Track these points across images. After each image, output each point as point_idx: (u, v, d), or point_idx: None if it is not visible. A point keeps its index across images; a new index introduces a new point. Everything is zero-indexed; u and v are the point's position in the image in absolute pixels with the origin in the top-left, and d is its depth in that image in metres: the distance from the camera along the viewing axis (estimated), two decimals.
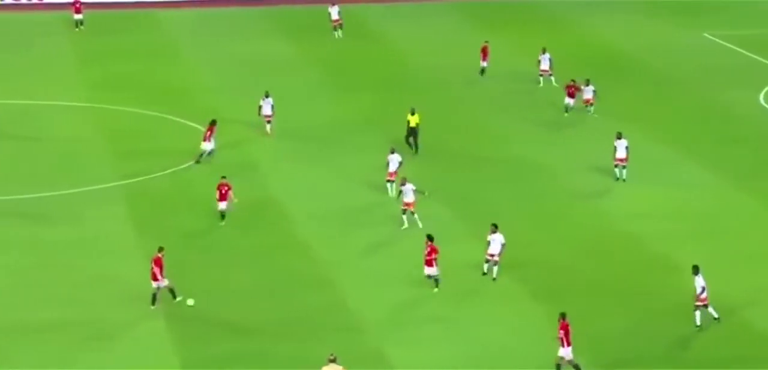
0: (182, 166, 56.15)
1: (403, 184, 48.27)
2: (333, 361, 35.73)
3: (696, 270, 40.05)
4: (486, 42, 70.42)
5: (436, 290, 42.63)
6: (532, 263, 45.42)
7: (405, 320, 41.27)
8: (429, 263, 42.74)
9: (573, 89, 61.47)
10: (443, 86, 69.17)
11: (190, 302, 41.11)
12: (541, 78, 67.14)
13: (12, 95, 67.41)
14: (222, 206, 48.59)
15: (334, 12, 79.79)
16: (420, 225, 47.19)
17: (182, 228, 49.10)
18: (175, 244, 47.30)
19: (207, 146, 55.76)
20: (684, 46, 77.85)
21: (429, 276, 42.87)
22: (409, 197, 48.00)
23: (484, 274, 43.72)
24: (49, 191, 53.03)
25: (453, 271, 44.14)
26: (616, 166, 53.32)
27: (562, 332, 36.96)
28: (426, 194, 48.49)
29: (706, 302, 39.86)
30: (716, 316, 40.09)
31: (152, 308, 41.28)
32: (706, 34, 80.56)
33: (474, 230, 48.18)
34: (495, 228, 43.91)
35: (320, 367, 35.75)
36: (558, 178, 54.34)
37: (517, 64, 71.56)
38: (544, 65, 67.14)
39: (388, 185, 51.65)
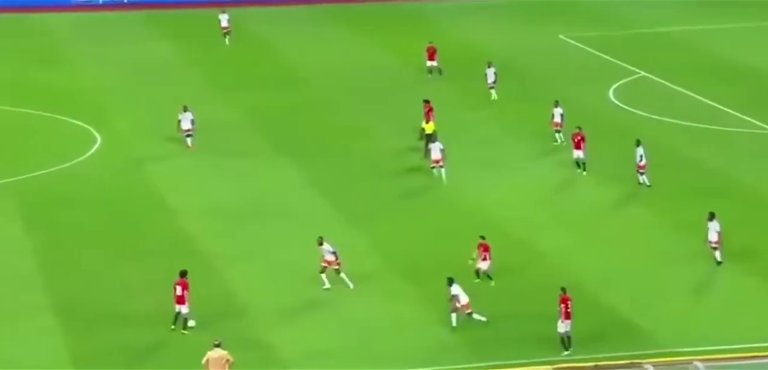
0: (72, 163, 54.87)
1: (320, 243, 42.06)
2: (218, 346, 35.02)
3: (450, 281, 39.21)
4: (431, 43, 69.37)
5: (185, 332, 38.26)
6: (405, 252, 45.14)
7: (291, 309, 40.46)
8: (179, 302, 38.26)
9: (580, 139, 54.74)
10: (319, 86, 68.80)
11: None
12: (492, 91, 64.56)
13: None
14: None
15: (223, 19, 77.86)
16: (326, 285, 41.61)
17: (71, 223, 47.85)
18: (64, 238, 46.24)
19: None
20: (542, 46, 78.65)
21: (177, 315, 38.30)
22: (329, 257, 41.80)
23: (719, 263, 43.03)
24: None
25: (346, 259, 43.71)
26: (638, 172, 51.77)
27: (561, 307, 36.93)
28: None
29: (465, 308, 39.13)
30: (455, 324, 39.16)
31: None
32: (561, 36, 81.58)
33: (352, 220, 48.01)
34: (712, 216, 43.35)
35: (205, 352, 34.92)
36: (422, 170, 53.98)
37: (383, 61, 71.21)
38: (491, 79, 64.74)
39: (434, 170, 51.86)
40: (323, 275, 41.67)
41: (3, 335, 38.45)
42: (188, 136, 56.07)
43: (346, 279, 41.71)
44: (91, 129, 59.63)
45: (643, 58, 74.81)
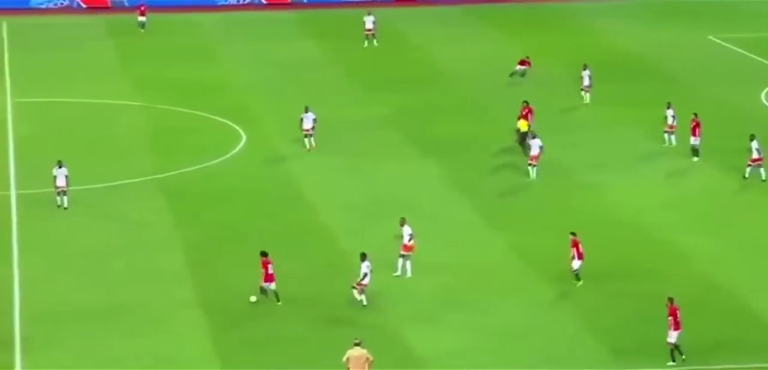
0: (218, 160, 55.94)
1: (402, 224, 43.06)
2: (358, 344, 35.28)
3: (363, 257, 40.25)
4: (528, 57, 69.32)
5: (279, 302, 40.27)
6: (543, 253, 44.88)
7: (427, 308, 40.76)
8: (270, 278, 40.38)
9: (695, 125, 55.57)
10: (461, 85, 68.89)
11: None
12: (584, 93, 64.41)
13: (62, 95, 67.28)
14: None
15: (368, 21, 77.96)
16: (409, 274, 42.69)
17: (217, 219, 48.81)
18: (210, 234, 47.16)
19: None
20: (690, 48, 77.36)
21: (265, 290, 40.39)
22: (408, 241, 42.76)
23: None
24: (95, 183, 52.76)
25: (475, 260, 43.95)
26: (749, 166, 52.00)
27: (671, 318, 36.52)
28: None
29: (364, 287, 39.85)
30: (365, 303, 39.78)
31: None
32: (710, 37, 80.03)
33: (490, 220, 47.93)
34: None
35: (346, 350, 35.25)
36: (567, 171, 53.79)
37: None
38: (585, 81, 64.45)
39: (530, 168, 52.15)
40: (407, 263, 42.29)
41: (154, 330, 39.41)
42: (309, 136, 56.55)
43: (407, 268, 42.34)
44: (237, 127, 60.72)
45: None
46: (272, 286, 40.56)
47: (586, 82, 64.51)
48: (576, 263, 41.78)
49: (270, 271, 40.46)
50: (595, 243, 44.91)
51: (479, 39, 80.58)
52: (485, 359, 37.42)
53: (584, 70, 64.94)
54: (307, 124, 56.74)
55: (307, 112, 57.11)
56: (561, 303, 41.10)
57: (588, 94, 64.48)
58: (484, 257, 44.78)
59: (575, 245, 41.76)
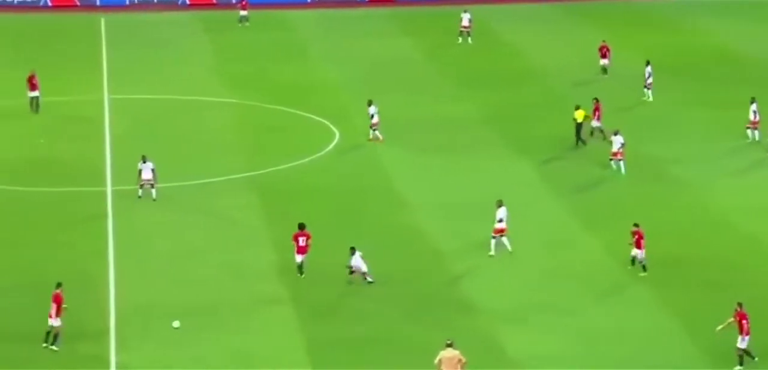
0: (311, 158, 56.15)
1: (499, 206, 44.60)
2: (450, 345, 35.13)
3: (353, 250, 41.78)
4: (604, 41, 69.34)
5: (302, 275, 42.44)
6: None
7: (520, 309, 40.55)
8: (302, 251, 42.53)
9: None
10: (555, 83, 68.37)
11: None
12: (647, 90, 64.45)
13: (157, 92, 68.16)
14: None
15: (464, 18, 78.04)
16: (510, 248, 44.31)
17: (309, 217, 48.94)
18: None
19: (595, 124, 56.56)
20: None
21: (300, 265, 42.52)
22: (501, 222, 44.29)
23: None
24: (188, 180, 53.29)
25: (568, 260, 43.64)
26: None
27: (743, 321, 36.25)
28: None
29: (365, 273, 41.58)
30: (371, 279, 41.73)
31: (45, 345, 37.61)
32: None
33: (585, 220, 47.41)
34: None
35: (438, 351, 35.13)
36: (658, 171, 53.16)
37: (624, 64, 70.21)
38: (648, 78, 64.35)
39: (612, 163, 52.76)
40: (502, 241, 43.60)
41: (242, 326, 39.65)
42: (374, 128, 57.21)
43: (505, 243, 43.82)
44: (330, 125, 60.94)
45: None
46: (300, 259, 42.14)
47: (648, 79, 64.21)
48: (640, 253, 42.24)
49: (301, 244, 42.18)
50: (690, 242, 44.39)
51: (576, 37, 79.97)
52: (580, 361, 37.06)
53: (647, 66, 64.57)
54: (374, 118, 57.36)
55: (370, 105, 57.63)
56: (656, 304, 40.62)
57: (649, 91, 64.19)
58: (577, 257, 44.41)
59: (639, 235, 42.27)
